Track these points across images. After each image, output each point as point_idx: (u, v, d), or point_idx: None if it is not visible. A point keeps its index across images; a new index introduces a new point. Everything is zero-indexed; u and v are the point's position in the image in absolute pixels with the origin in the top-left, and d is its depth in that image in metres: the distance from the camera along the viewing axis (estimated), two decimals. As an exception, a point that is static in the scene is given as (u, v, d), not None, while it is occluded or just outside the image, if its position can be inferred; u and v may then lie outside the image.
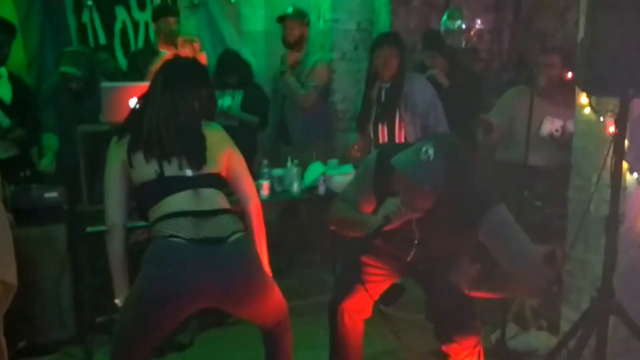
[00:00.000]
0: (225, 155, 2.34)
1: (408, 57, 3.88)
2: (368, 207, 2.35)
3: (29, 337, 3.14)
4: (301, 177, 3.84)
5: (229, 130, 4.47)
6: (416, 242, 2.30)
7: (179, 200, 2.15)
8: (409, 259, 2.36)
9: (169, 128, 2.20)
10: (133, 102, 3.27)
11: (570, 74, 3.52)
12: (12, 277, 2.45)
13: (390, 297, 3.75)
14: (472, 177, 2.18)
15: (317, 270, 4.23)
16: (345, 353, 2.56)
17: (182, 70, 2.34)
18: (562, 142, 3.48)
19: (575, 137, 3.04)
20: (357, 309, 2.51)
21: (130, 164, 2.21)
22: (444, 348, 2.44)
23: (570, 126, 3.44)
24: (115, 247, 2.25)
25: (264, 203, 3.56)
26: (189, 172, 2.20)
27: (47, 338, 3.20)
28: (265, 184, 3.64)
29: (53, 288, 3.19)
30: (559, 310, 3.14)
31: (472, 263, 2.33)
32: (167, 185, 2.18)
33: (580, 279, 2.97)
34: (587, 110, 2.86)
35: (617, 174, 2.45)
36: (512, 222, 2.23)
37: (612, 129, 2.63)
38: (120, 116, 3.21)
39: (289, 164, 3.83)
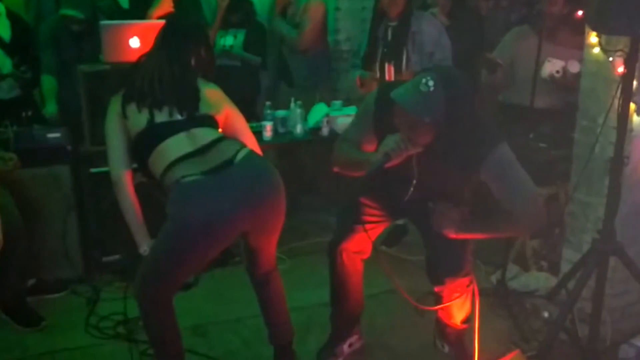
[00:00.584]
0: (222, 113, 2.38)
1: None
2: (370, 147, 2.33)
3: (38, 276, 3.19)
4: (304, 118, 3.81)
5: (231, 70, 4.43)
6: (414, 181, 2.29)
7: (175, 146, 2.20)
8: (406, 198, 2.35)
9: (162, 79, 2.25)
10: (134, 42, 3.25)
11: (580, 12, 3.44)
12: None
13: (393, 238, 3.80)
14: (473, 113, 2.16)
15: (320, 212, 4.26)
16: (345, 293, 2.59)
17: (181, 29, 2.40)
18: (563, 84, 3.43)
19: (583, 78, 2.99)
20: (356, 250, 2.52)
21: (124, 114, 2.25)
22: (436, 289, 2.46)
23: (571, 67, 3.39)
24: (126, 199, 2.28)
25: (267, 144, 3.60)
26: (178, 117, 2.24)
27: (55, 277, 3.25)
28: (269, 126, 3.62)
29: (60, 228, 3.23)
30: (560, 251, 3.17)
31: (457, 206, 2.31)
32: (159, 131, 2.22)
33: (582, 221, 2.99)
34: (597, 50, 2.80)
35: (623, 115, 2.42)
36: (514, 161, 2.21)
37: (621, 69, 2.58)
38: (121, 56, 3.21)
39: (292, 105, 3.80)
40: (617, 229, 2.52)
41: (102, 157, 3.17)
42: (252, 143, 2.44)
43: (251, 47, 4.23)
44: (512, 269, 3.33)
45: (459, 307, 2.50)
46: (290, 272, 2.94)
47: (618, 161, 2.45)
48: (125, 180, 2.27)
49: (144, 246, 2.28)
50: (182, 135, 2.22)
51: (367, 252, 2.56)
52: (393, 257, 3.61)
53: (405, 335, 2.91)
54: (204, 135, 2.24)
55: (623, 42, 2.50)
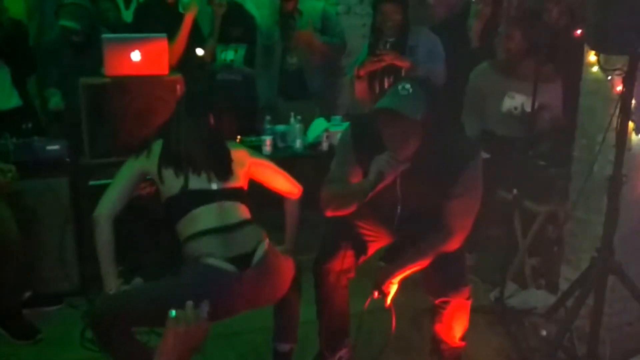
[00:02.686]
0: (247, 169, 2.49)
1: (414, 10, 3.79)
2: (356, 181, 2.39)
3: (34, 288, 3.18)
4: (304, 133, 3.82)
5: (232, 84, 4.43)
6: (399, 206, 2.37)
7: (206, 216, 2.29)
8: (395, 224, 2.43)
9: (197, 145, 2.36)
10: (135, 56, 3.26)
11: (579, 31, 3.46)
12: None
13: (391, 254, 3.78)
14: (449, 119, 2.31)
15: (320, 227, 4.23)
16: (331, 309, 2.57)
17: (202, 98, 2.52)
18: (522, 120, 3.42)
19: (582, 96, 3.00)
20: (342, 269, 2.49)
21: (160, 179, 2.34)
22: (437, 302, 2.47)
23: (527, 106, 3.32)
24: (102, 239, 2.31)
25: (267, 159, 3.58)
26: (214, 186, 2.35)
27: (51, 289, 3.24)
28: (268, 140, 3.63)
29: (57, 240, 3.23)
30: (559, 269, 3.16)
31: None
32: (194, 199, 2.32)
33: (581, 239, 2.98)
34: (595, 69, 2.81)
35: (622, 134, 2.43)
36: (480, 181, 2.32)
37: (619, 88, 2.59)
38: (122, 69, 3.22)
39: (291, 120, 3.81)
40: (616, 247, 2.52)
41: (101, 170, 3.19)
42: (285, 185, 2.62)
43: (252, 62, 4.25)
44: (511, 286, 3.32)
45: (458, 320, 2.50)
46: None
47: (617, 179, 2.46)
48: (107, 222, 2.32)
49: (112, 287, 2.30)
50: (213, 207, 2.32)
51: (353, 271, 2.55)
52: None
53: (401, 352, 2.88)
54: (233, 212, 2.35)
55: (622, 61, 2.51)
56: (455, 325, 2.51)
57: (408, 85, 2.15)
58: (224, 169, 2.40)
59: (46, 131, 3.72)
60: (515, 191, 3.11)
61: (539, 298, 3.24)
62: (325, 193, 2.44)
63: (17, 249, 2.85)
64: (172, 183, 2.34)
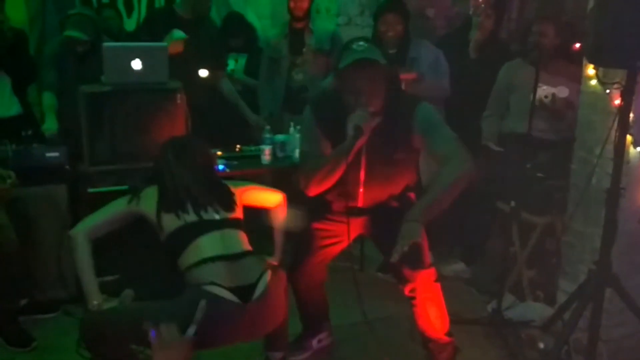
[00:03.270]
0: (239, 199, 2.51)
1: (413, 23, 3.81)
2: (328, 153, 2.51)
3: (31, 296, 3.17)
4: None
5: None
6: (362, 181, 2.51)
7: (209, 244, 2.29)
8: (359, 203, 2.56)
9: (198, 187, 2.40)
10: (136, 64, 3.27)
11: (577, 45, 3.48)
12: None
13: (387, 264, 3.78)
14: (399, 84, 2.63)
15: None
16: (308, 304, 2.86)
17: (188, 148, 2.53)
18: (552, 109, 3.46)
19: (580, 109, 3.02)
20: (312, 275, 2.74)
21: (159, 223, 2.34)
22: (406, 290, 2.49)
23: (560, 93, 3.44)
24: (81, 258, 2.32)
25: (266, 168, 3.61)
26: (216, 216, 2.37)
27: (48, 297, 3.23)
28: (267, 150, 3.63)
29: (54, 247, 3.22)
30: (556, 281, 3.16)
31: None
32: (197, 229, 2.32)
33: (578, 251, 2.98)
34: (594, 82, 2.83)
35: (620, 147, 2.44)
36: (438, 115, 2.50)
37: (617, 101, 2.61)
38: (123, 77, 3.23)
39: (291, 129, 3.82)
40: (614, 259, 2.52)
41: (100, 178, 3.19)
42: (271, 199, 2.64)
43: (252, 72, 4.26)
44: (508, 298, 3.31)
45: (433, 309, 2.51)
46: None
47: (615, 192, 2.46)
48: (84, 240, 2.32)
49: (94, 302, 2.30)
50: (216, 235, 2.32)
51: (324, 276, 2.81)
52: (388, 283, 3.59)
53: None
54: (236, 241, 2.36)
55: (620, 74, 2.52)
56: (432, 316, 2.52)
57: (361, 42, 2.37)
58: (227, 201, 2.44)
59: (46, 138, 3.72)
60: (513, 203, 3.11)
61: (536, 310, 3.23)
62: (303, 172, 2.52)
63: (14, 256, 2.85)
64: (172, 223, 2.34)
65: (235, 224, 2.42)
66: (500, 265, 3.27)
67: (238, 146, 3.71)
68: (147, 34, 3.82)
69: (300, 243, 2.72)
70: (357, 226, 2.66)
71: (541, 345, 2.90)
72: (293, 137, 3.78)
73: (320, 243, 2.67)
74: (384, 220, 2.55)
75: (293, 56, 4.20)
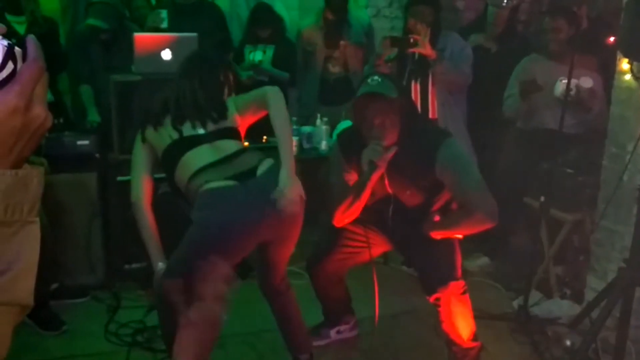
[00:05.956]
0: (235, 111, 2.43)
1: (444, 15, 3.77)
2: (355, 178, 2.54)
3: (61, 281, 3.23)
4: (330, 135, 3.83)
5: (259, 85, 4.43)
6: (392, 200, 2.51)
7: (199, 156, 2.26)
8: (390, 224, 2.57)
9: (182, 99, 2.34)
10: (165, 54, 3.30)
11: (612, 39, 3.41)
12: (31, 300, 2.52)
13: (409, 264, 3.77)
14: (420, 117, 2.57)
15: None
16: (328, 297, 2.88)
17: (208, 59, 2.50)
18: (577, 101, 3.39)
19: (613, 105, 2.96)
20: (333, 270, 2.74)
21: (143, 139, 2.34)
22: (431, 300, 2.49)
23: (584, 83, 3.34)
24: (142, 219, 2.34)
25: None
26: (201, 131, 2.31)
27: (77, 282, 3.29)
28: (294, 141, 3.63)
29: (84, 234, 3.28)
30: (584, 279, 3.12)
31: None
32: (182, 145, 2.29)
33: (608, 249, 2.94)
34: (628, 77, 2.77)
35: (654, 144, 2.39)
36: (465, 155, 2.49)
37: (652, 97, 2.55)
38: (152, 67, 3.26)
39: (317, 121, 3.82)
40: (645, 258, 2.48)
41: (129, 166, 3.22)
42: (262, 101, 2.41)
43: (280, 63, 4.26)
44: (535, 295, 3.28)
45: (458, 318, 2.49)
46: (308, 287, 2.94)
47: (647, 190, 2.42)
48: (143, 204, 2.34)
49: (159, 264, 2.31)
50: (205, 147, 2.29)
51: (343, 274, 2.81)
52: (412, 277, 3.58)
53: (421, 356, 2.87)
54: (228, 146, 2.31)
55: (655, 69, 2.47)
56: (457, 324, 2.50)
57: (376, 77, 2.38)
58: (218, 113, 2.35)
59: (76, 126, 3.77)
60: (542, 198, 3.08)
61: (563, 307, 3.20)
62: (333, 203, 2.57)
63: (45, 241, 2.89)
64: (157, 138, 2.33)
65: (227, 133, 2.35)
66: (526, 262, 3.24)
67: (265, 137, 3.72)
68: (174, 22, 3.86)
69: (323, 237, 2.74)
70: (381, 242, 2.68)
71: (568, 343, 2.87)
72: (319, 129, 3.79)
73: (343, 242, 2.67)
74: (412, 237, 2.55)
75: (328, 49, 4.19)
